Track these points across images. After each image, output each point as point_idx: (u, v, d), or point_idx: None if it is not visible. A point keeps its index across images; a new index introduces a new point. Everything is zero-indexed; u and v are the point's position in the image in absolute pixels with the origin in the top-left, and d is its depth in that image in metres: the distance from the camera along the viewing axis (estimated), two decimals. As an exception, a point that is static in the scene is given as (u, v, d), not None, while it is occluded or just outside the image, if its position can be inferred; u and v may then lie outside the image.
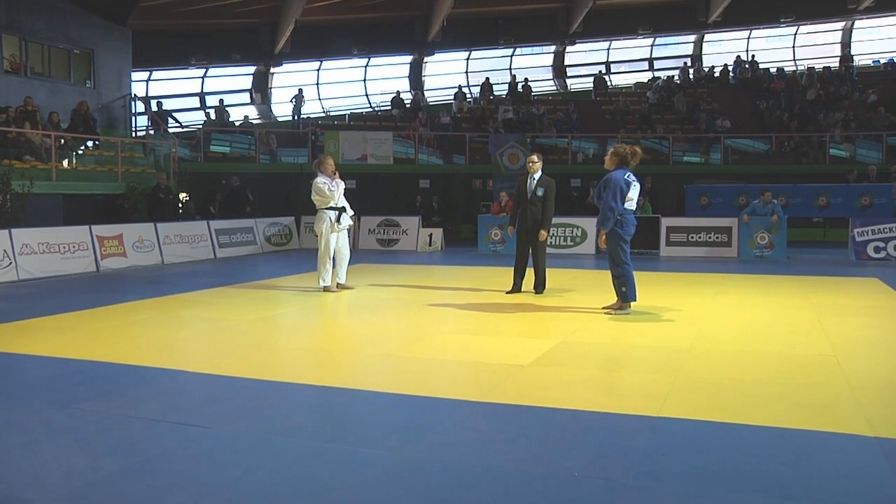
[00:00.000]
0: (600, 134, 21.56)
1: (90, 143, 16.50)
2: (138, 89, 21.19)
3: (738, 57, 27.65)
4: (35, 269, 10.63)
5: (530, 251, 8.89)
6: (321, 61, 25.74)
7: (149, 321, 7.20)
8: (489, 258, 14.08)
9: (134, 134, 19.38)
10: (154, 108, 20.22)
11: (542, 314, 7.52)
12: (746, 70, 26.47)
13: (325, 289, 9.10)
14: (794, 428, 3.79)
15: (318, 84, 25.88)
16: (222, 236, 14.68)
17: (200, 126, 21.24)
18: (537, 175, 8.78)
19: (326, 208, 8.98)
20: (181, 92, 23.72)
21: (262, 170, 19.18)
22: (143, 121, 19.99)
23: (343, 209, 9.16)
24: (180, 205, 15.83)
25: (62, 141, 15.13)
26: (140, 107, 19.91)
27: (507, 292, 8.88)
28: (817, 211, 17.84)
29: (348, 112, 25.09)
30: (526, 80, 26.75)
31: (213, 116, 21.63)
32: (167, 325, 7.05)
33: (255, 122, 23.08)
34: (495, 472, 3.24)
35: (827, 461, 3.38)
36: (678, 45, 30.11)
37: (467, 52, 28.15)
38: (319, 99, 25.67)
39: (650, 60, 29.88)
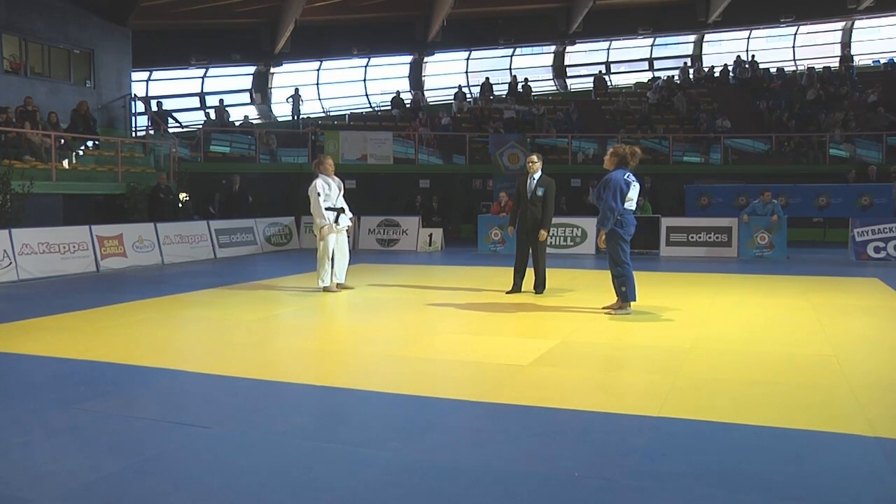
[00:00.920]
0: (600, 134, 21.56)
1: (90, 143, 16.50)
2: (138, 89, 21.20)
3: (738, 57, 27.66)
4: (35, 269, 10.63)
5: (530, 251, 8.89)
6: (321, 61, 25.75)
7: (149, 321, 7.20)
8: (489, 258, 14.09)
9: (134, 134, 19.38)
10: (154, 108, 20.22)
11: (542, 314, 7.52)
12: (746, 70, 26.47)
13: (325, 289, 9.10)
14: (794, 428, 3.79)
15: (317, 84, 25.89)
16: (222, 236, 14.67)
17: (200, 126, 21.23)
18: (537, 175, 8.78)
19: (325, 209, 8.97)
20: (181, 92, 23.72)
21: (262, 170, 19.17)
22: (143, 121, 19.99)
23: (342, 210, 9.15)
24: (179, 205, 15.82)
25: (62, 141, 15.13)
26: (140, 107, 19.91)
27: (507, 292, 8.88)
28: (817, 211, 17.84)
29: (348, 112, 25.08)
30: (526, 80, 26.75)
31: (213, 116, 21.63)
32: (167, 325, 7.05)
33: (255, 122, 23.08)
34: (495, 472, 3.24)
35: (827, 461, 3.38)
36: (678, 45, 30.12)
37: (467, 52, 28.15)
38: (319, 99, 25.67)
39: (650, 60, 29.89)
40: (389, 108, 24.87)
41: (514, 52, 28.86)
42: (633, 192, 7.32)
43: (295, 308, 8.19)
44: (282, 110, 24.44)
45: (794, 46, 29.70)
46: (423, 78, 27.18)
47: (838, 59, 28.08)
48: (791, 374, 5.00)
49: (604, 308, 7.59)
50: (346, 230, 9.38)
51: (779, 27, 29.07)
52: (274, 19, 22.83)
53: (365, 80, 26.72)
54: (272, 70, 24.66)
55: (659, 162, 20.43)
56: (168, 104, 21.61)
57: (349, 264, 9.59)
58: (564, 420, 3.98)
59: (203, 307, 8.24)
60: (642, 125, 22.49)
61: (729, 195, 18.15)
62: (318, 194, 8.88)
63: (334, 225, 9.02)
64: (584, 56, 29.77)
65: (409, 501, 2.96)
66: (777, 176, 19.08)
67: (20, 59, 16.61)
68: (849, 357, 5.44)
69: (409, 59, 27.01)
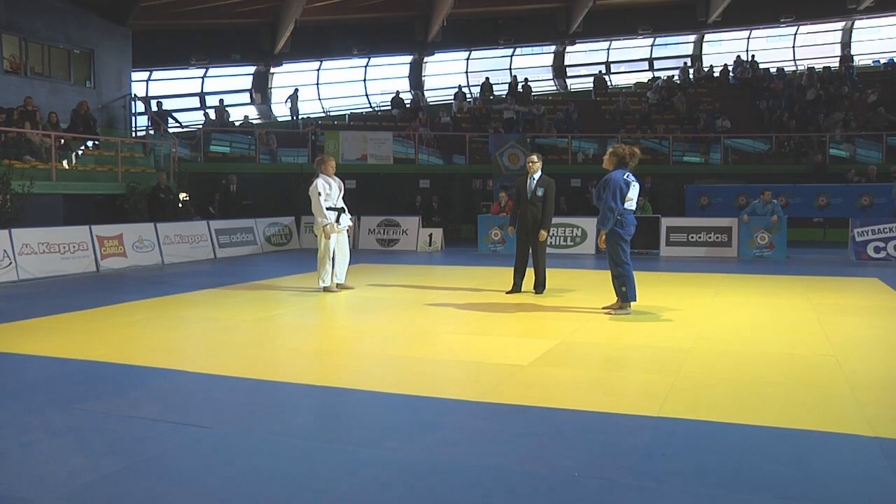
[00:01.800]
0: (600, 134, 21.56)
1: (90, 143, 16.49)
2: (138, 89, 21.20)
3: (738, 57, 27.66)
4: (35, 269, 10.63)
5: (530, 251, 8.89)
6: (321, 61, 25.74)
7: (149, 321, 7.20)
8: (489, 258, 14.09)
9: (134, 134, 19.38)
10: (154, 108, 20.21)
11: (542, 314, 7.52)
12: (746, 70, 26.47)
13: (325, 289, 9.11)
14: (794, 428, 3.79)
15: (317, 84, 25.88)
16: (222, 236, 14.68)
17: (200, 126, 21.23)
18: (537, 175, 8.78)
19: (326, 209, 8.98)
20: (181, 92, 23.72)
21: (262, 170, 19.18)
22: (143, 121, 19.98)
23: (342, 210, 9.17)
24: (179, 205, 15.83)
25: (62, 141, 15.12)
26: (140, 107, 19.91)
27: (507, 292, 8.88)
28: (817, 211, 17.84)
29: (348, 112, 25.08)
30: (526, 80, 26.75)
31: (212, 116, 21.63)
32: (167, 325, 7.05)
33: (255, 122, 23.08)
34: (495, 472, 3.24)
35: (827, 461, 3.38)
36: (678, 45, 30.12)
37: (467, 52, 28.15)
38: (319, 99, 25.67)
39: (650, 60, 29.89)
40: (389, 108, 24.87)
41: (514, 52, 28.86)
42: (633, 192, 7.32)
43: (295, 308, 8.19)
44: (282, 110, 24.45)
45: (794, 46, 29.70)
46: (423, 78, 27.18)
47: (838, 59, 28.07)
48: (791, 374, 5.00)
49: (604, 308, 7.59)
50: (347, 230, 9.39)
51: (779, 27, 29.07)
52: (274, 19, 22.83)
53: (365, 80, 26.72)
54: (272, 70, 24.65)
55: (659, 162, 20.42)
56: (168, 104, 21.60)
57: (349, 264, 9.59)
58: (564, 420, 3.98)
59: (203, 307, 8.24)
60: (642, 125, 22.49)
61: (729, 195, 18.15)
62: (319, 194, 8.90)
63: (335, 225, 9.03)
64: (584, 56, 29.77)
65: (409, 501, 2.96)
66: (777, 176, 19.08)
67: (20, 59, 16.60)
68: (849, 357, 5.44)
69: (409, 59, 27.00)
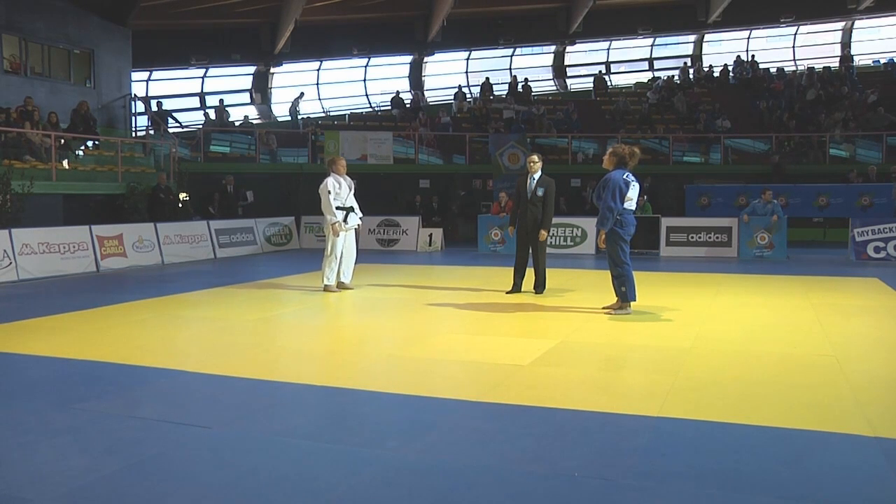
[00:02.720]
0: (600, 134, 21.55)
1: (90, 143, 16.50)
2: (138, 89, 21.20)
3: (738, 57, 27.67)
4: (35, 269, 10.63)
5: (530, 251, 8.89)
6: (321, 61, 25.74)
7: (149, 321, 7.20)
8: (489, 258, 14.09)
9: (134, 134, 19.38)
10: (154, 108, 20.21)
11: (542, 314, 7.52)
12: (746, 70, 26.47)
13: (326, 287, 9.10)
14: (794, 428, 3.79)
15: (318, 84, 25.88)
16: (222, 236, 14.68)
17: (200, 126, 21.23)
18: (537, 175, 8.78)
19: (335, 208, 8.98)
20: (181, 92, 23.72)
21: (262, 170, 19.18)
22: (143, 121, 19.99)
23: (351, 209, 9.18)
24: (179, 205, 15.83)
25: (62, 141, 15.13)
26: (140, 107, 19.91)
27: (507, 292, 8.88)
28: (817, 211, 17.84)
29: (348, 112, 25.08)
30: (526, 80, 26.75)
31: (212, 116, 21.63)
32: (167, 325, 7.05)
33: (255, 122, 23.08)
34: (495, 472, 3.24)
35: (827, 461, 3.38)
36: (678, 45, 30.12)
37: (467, 52, 28.15)
38: (319, 99, 25.67)
39: (650, 60, 29.89)
40: (389, 108, 24.87)
41: (514, 52, 28.86)
42: (633, 192, 7.32)
43: (295, 308, 8.19)
44: (282, 110, 24.46)
45: (794, 46, 29.70)
46: (423, 78, 27.18)
47: (838, 59, 28.08)
48: (791, 374, 5.00)
49: (604, 308, 7.59)
50: (356, 229, 9.41)
51: (779, 27, 29.07)
52: (274, 19, 22.83)
53: (365, 80, 26.73)
54: (272, 70, 24.66)
55: (659, 162, 20.42)
56: (168, 104, 21.61)
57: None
58: (564, 420, 3.98)
59: (203, 307, 8.24)
60: (642, 125, 22.48)
61: (729, 195, 18.15)
62: (329, 192, 8.93)
63: (343, 223, 9.04)
64: (584, 56, 29.77)
65: (409, 501, 2.96)
66: (777, 176, 19.07)
67: (20, 59, 16.60)
68: (849, 357, 5.44)
69: (409, 59, 27.00)
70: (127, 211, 14.50)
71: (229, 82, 24.52)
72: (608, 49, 29.59)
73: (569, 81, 29.04)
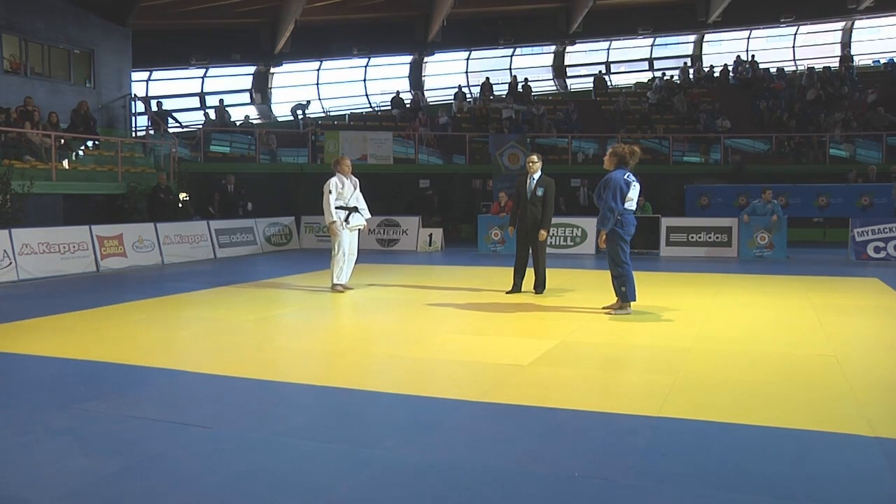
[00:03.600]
0: (600, 134, 21.56)
1: (90, 143, 16.50)
2: (138, 89, 21.20)
3: (738, 57, 27.67)
4: (35, 269, 10.63)
5: (530, 251, 8.89)
6: (321, 61, 25.74)
7: (149, 321, 7.20)
8: (489, 258, 14.08)
9: (134, 134, 19.38)
10: (154, 108, 20.22)
11: (542, 314, 7.52)
12: (746, 70, 26.47)
13: (334, 287, 9.09)
14: (794, 428, 3.79)
15: (318, 84, 25.89)
16: (222, 236, 14.68)
17: (200, 126, 21.23)
18: (537, 175, 8.78)
19: (337, 208, 8.97)
20: (181, 92, 23.72)
21: (262, 170, 19.18)
22: (143, 121, 19.99)
23: (354, 209, 9.16)
24: (179, 205, 15.83)
25: (62, 141, 15.13)
26: (140, 107, 19.91)
27: (507, 292, 8.88)
28: (817, 211, 17.84)
29: (348, 112, 25.09)
30: (526, 80, 26.75)
31: (212, 116, 21.63)
32: (167, 325, 7.06)
33: (255, 122, 23.08)
34: (495, 472, 3.24)
35: (827, 461, 3.38)
36: (678, 45, 30.13)
37: (467, 52, 28.15)
38: (319, 99, 25.67)
39: (650, 60, 29.89)
40: (389, 108, 24.87)
41: (514, 52, 28.86)
42: (633, 192, 7.31)
43: (295, 308, 8.19)
44: (282, 110, 24.46)
45: (794, 46, 29.70)
46: (423, 78, 27.18)
47: (838, 59, 28.08)
48: (791, 374, 5.00)
49: (604, 308, 7.58)
50: (360, 228, 9.39)
51: (779, 27, 29.07)
52: (274, 19, 22.83)
53: (365, 80, 26.73)
54: (272, 70, 24.66)
55: (659, 162, 20.42)
56: (168, 104, 21.62)
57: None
58: (564, 420, 3.98)
59: (203, 307, 8.24)
60: (642, 125, 22.49)
61: (729, 195, 18.15)
62: (330, 192, 8.94)
63: (344, 223, 9.01)
64: (584, 56, 29.77)
65: (408, 501, 2.96)
66: (777, 176, 19.09)
67: (20, 59, 16.60)
68: (849, 357, 5.44)
69: (409, 59, 27.00)
70: (127, 211, 14.50)
71: (229, 82, 24.53)
72: (608, 49, 29.60)
73: (569, 81, 29.04)
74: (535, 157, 8.91)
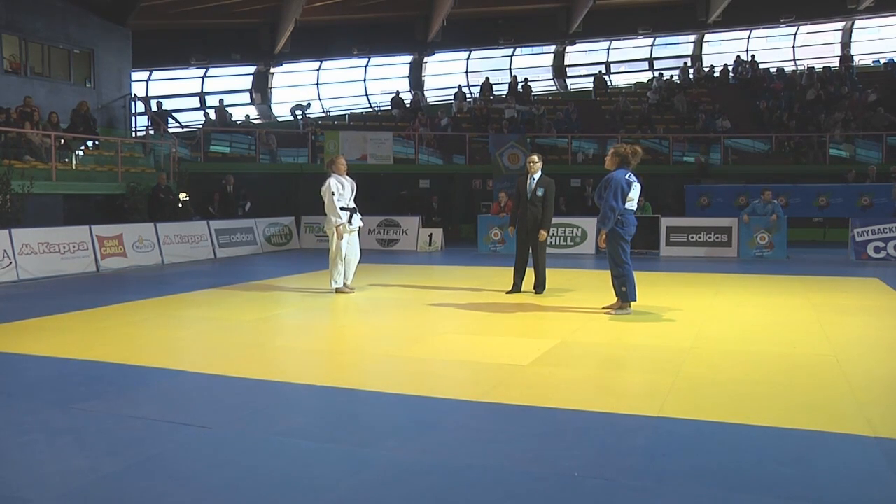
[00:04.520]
0: (600, 134, 21.56)
1: (90, 143, 16.50)
2: (138, 89, 21.20)
3: (738, 57, 27.67)
4: (35, 269, 10.63)
5: (530, 251, 8.89)
6: (321, 61, 25.75)
7: (149, 321, 7.20)
8: (489, 258, 14.08)
9: (134, 134, 19.39)
10: (154, 108, 20.22)
11: (542, 314, 7.52)
12: (746, 70, 26.47)
13: (338, 290, 9.02)
14: (794, 428, 3.79)
15: (318, 84, 25.89)
16: (222, 236, 14.68)
17: (200, 126, 21.24)
18: (537, 175, 8.78)
19: (339, 209, 8.88)
20: (181, 92, 23.72)
21: (262, 170, 19.18)
22: (143, 121, 20.00)
23: (355, 209, 9.09)
24: (179, 205, 15.83)
25: (62, 141, 15.13)
26: (140, 107, 19.91)
27: (507, 292, 8.88)
28: (817, 211, 17.85)
29: (348, 112, 25.09)
30: (526, 80, 26.75)
31: (212, 116, 21.62)
32: (167, 325, 7.05)
33: (255, 122, 23.08)
34: (495, 472, 3.24)
35: (827, 461, 3.38)
36: (678, 45, 30.13)
37: (467, 52, 28.15)
38: (319, 99, 25.67)
39: (650, 60, 29.89)
40: (389, 108, 24.87)
41: (514, 52, 28.86)
42: (634, 192, 7.31)
43: (295, 308, 8.19)
44: (282, 110, 24.46)
45: (794, 46, 29.71)
46: (423, 78, 27.18)
47: (838, 59, 28.08)
48: (791, 374, 5.00)
49: (604, 308, 7.58)
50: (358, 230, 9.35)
51: (779, 27, 29.08)
52: (274, 19, 22.82)
53: (365, 80, 26.73)
54: (272, 70, 24.66)
55: (659, 162, 20.42)
56: (168, 104, 21.62)
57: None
58: (564, 420, 3.98)
59: (203, 307, 8.24)
60: (642, 125, 22.49)
61: (729, 195, 18.16)
62: (333, 193, 8.82)
63: (347, 225, 8.95)
64: (584, 56, 29.78)
65: (409, 501, 2.96)
66: (777, 176, 19.09)
67: (20, 59, 16.60)
68: (849, 357, 5.44)
69: (409, 59, 27.01)
70: (127, 211, 14.50)
71: (229, 82, 24.53)
72: (608, 49, 29.60)
73: (569, 81, 29.05)
74: (535, 157, 8.91)
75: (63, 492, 3.05)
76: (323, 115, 24.87)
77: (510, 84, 26.20)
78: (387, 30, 25.37)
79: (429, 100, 26.40)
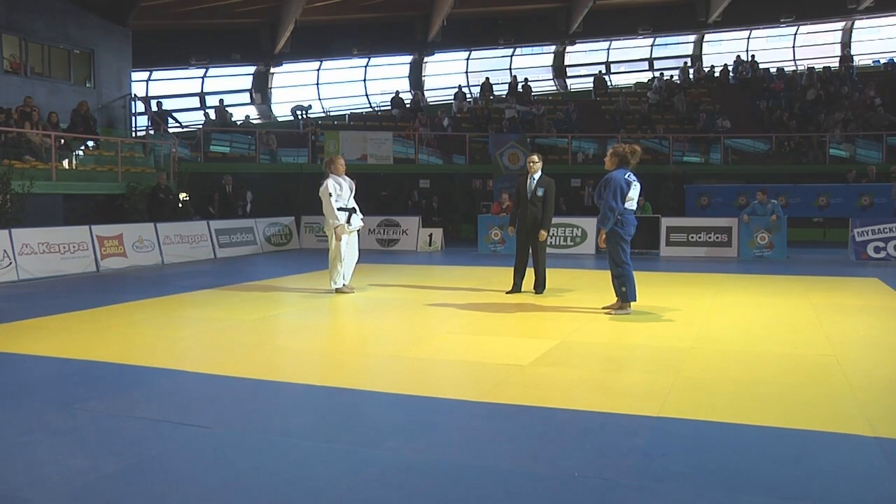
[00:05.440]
0: (600, 134, 21.56)
1: (90, 143, 16.50)
2: (138, 89, 21.21)
3: (738, 57, 27.66)
4: (35, 269, 10.63)
5: (530, 251, 8.89)
6: (321, 61, 25.75)
7: (149, 321, 7.20)
8: (489, 258, 14.08)
9: (134, 134, 19.39)
10: (154, 108, 20.22)
11: (542, 314, 7.52)
12: (746, 70, 26.47)
13: (338, 290, 9.01)
14: (794, 428, 3.79)
15: (318, 84, 25.89)
16: (222, 236, 14.68)
17: (200, 126, 21.24)
18: (537, 175, 8.78)
19: (337, 209, 8.88)
20: (181, 92, 23.73)
21: (262, 170, 19.18)
22: (143, 121, 20.00)
23: (353, 210, 9.08)
24: (179, 205, 15.83)
25: (62, 141, 15.13)
26: (140, 107, 19.92)
27: (507, 292, 8.88)
28: (817, 211, 17.85)
29: (348, 112, 25.10)
30: (526, 80, 26.75)
31: (212, 116, 21.63)
32: (167, 325, 7.05)
33: (255, 122, 23.08)
34: (495, 472, 3.24)
35: (827, 461, 3.38)
36: (678, 45, 30.13)
37: (467, 52, 28.16)
38: (319, 99, 25.68)
39: (650, 60, 29.90)
40: (389, 108, 24.87)
41: (514, 52, 28.87)
42: (634, 192, 7.31)
43: (295, 308, 8.19)
44: (282, 110, 24.46)
45: (794, 46, 29.71)
46: (423, 78, 27.19)
47: (838, 59, 28.08)
48: (791, 374, 5.00)
49: (604, 308, 7.58)
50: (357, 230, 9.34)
51: (779, 27, 29.08)
52: (274, 19, 22.83)
53: (365, 80, 26.74)
54: (272, 70, 24.67)
55: (659, 162, 20.43)
56: (168, 104, 21.62)
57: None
58: (564, 420, 3.98)
59: (203, 307, 8.23)
60: (642, 125, 22.50)
61: (729, 195, 18.16)
62: (330, 195, 8.78)
63: (346, 226, 8.94)
64: (584, 56, 29.78)
65: (409, 501, 2.96)
66: (777, 176, 19.09)
67: (20, 59, 16.61)
68: (849, 357, 5.44)
69: (409, 59, 27.01)
70: (127, 211, 14.50)
71: (229, 82, 24.54)
72: (608, 49, 29.61)
73: (569, 81, 29.05)
74: (535, 157, 8.91)
75: (63, 492, 3.05)
76: (323, 115, 24.88)
77: (510, 84, 26.21)
78: (387, 30, 25.38)
79: (429, 100, 26.41)
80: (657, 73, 27.48)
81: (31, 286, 9.96)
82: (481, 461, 3.37)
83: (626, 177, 7.26)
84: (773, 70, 26.50)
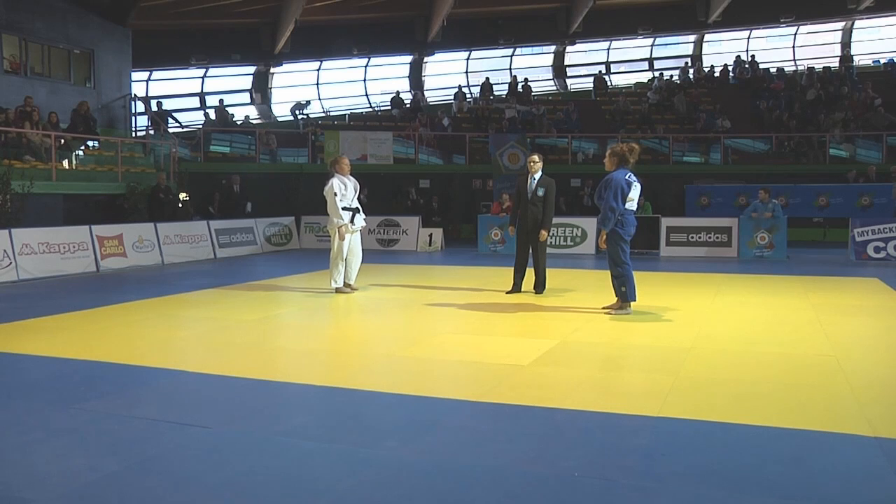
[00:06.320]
0: (600, 134, 21.55)
1: (90, 143, 16.50)
2: (138, 89, 21.20)
3: (738, 57, 27.65)
4: (35, 269, 10.63)
5: (530, 251, 8.89)
6: (321, 61, 25.74)
7: (149, 321, 7.20)
8: (489, 258, 14.08)
9: (134, 134, 19.38)
10: (154, 108, 20.22)
11: (542, 314, 7.52)
12: (746, 70, 26.47)
13: (338, 290, 9.01)
14: (794, 428, 3.79)
15: (318, 84, 25.88)
16: (222, 236, 14.67)
17: (200, 126, 21.24)
18: (537, 175, 8.78)
19: (341, 209, 8.88)
20: (181, 92, 23.72)
21: (262, 170, 19.17)
22: (143, 121, 20.00)
23: (357, 210, 9.09)
24: (179, 205, 15.83)
25: (62, 141, 15.13)
26: (140, 107, 19.91)
27: (507, 292, 8.88)
28: (817, 211, 17.84)
29: (348, 112, 25.09)
30: (526, 80, 26.75)
31: (213, 116, 21.62)
32: (167, 325, 7.05)
33: (255, 122, 23.08)
34: (495, 472, 3.24)
35: (827, 461, 3.38)
36: (678, 45, 30.13)
37: (467, 52, 28.15)
38: (319, 99, 25.67)
39: (650, 60, 29.89)
40: (389, 108, 24.87)
41: (514, 52, 28.85)
42: (634, 192, 7.31)
43: (295, 308, 8.19)
44: (282, 110, 24.46)
45: (794, 46, 29.70)
46: (423, 78, 27.18)
47: (838, 59, 28.08)
48: (791, 374, 5.00)
49: (604, 308, 7.59)
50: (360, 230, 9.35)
51: (779, 27, 29.07)
52: (274, 19, 22.82)
53: (365, 80, 26.73)
54: (272, 70, 24.66)
55: (659, 162, 20.42)
56: (168, 104, 21.62)
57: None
58: (564, 420, 3.98)
59: (203, 307, 8.23)
60: (642, 125, 22.49)
61: (729, 195, 18.15)
62: (335, 194, 8.81)
63: (349, 225, 8.95)
64: (584, 56, 29.77)
65: (408, 501, 2.96)
66: (777, 176, 19.08)
67: (20, 59, 16.60)
68: (849, 357, 5.44)
69: (409, 59, 27.00)
70: (127, 211, 14.50)
71: (229, 82, 24.53)
72: (608, 49, 29.59)
73: (569, 81, 29.04)
74: (536, 157, 8.91)
75: (63, 492, 3.05)
76: (323, 115, 24.87)
77: (510, 84, 26.20)
78: (387, 30, 25.36)
79: (429, 100, 26.40)
80: (657, 73, 27.47)
81: (31, 286, 9.96)
82: (481, 461, 3.38)
83: (626, 177, 7.26)
84: (773, 70, 26.49)
